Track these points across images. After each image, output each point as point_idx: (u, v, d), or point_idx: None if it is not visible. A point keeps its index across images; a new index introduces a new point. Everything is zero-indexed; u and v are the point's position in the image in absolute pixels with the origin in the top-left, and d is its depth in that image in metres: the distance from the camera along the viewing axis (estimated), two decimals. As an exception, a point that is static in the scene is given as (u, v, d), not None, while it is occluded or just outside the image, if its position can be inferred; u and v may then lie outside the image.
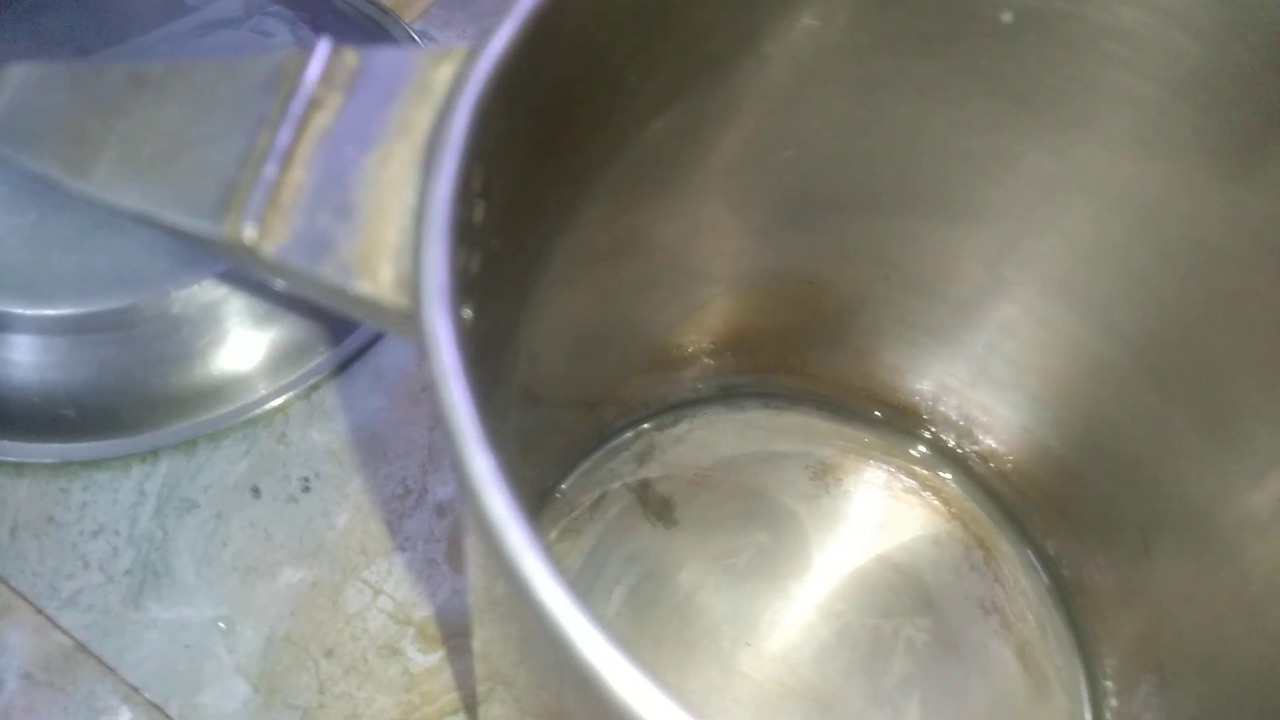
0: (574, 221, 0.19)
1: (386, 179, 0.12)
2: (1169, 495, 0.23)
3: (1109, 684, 0.29)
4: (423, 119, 0.12)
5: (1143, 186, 0.19)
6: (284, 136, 0.12)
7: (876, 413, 0.32)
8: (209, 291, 0.34)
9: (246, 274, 0.11)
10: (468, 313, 0.15)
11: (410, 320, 0.11)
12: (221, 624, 0.31)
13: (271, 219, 0.11)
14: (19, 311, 0.33)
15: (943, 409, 0.31)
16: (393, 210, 0.12)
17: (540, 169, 0.16)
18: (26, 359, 0.33)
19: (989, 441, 0.30)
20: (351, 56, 0.13)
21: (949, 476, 0.32)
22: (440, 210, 0.11)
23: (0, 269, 0.34)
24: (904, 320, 0.27)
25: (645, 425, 0.33)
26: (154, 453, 0.33)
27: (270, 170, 0.11)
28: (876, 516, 0.32)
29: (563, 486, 0.32)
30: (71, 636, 0.30)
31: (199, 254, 0.34)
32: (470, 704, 0.30)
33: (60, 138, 0.12)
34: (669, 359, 0.29)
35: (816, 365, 0.31)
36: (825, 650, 0.30)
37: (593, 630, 0.12)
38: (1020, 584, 0.31)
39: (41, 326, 0.33)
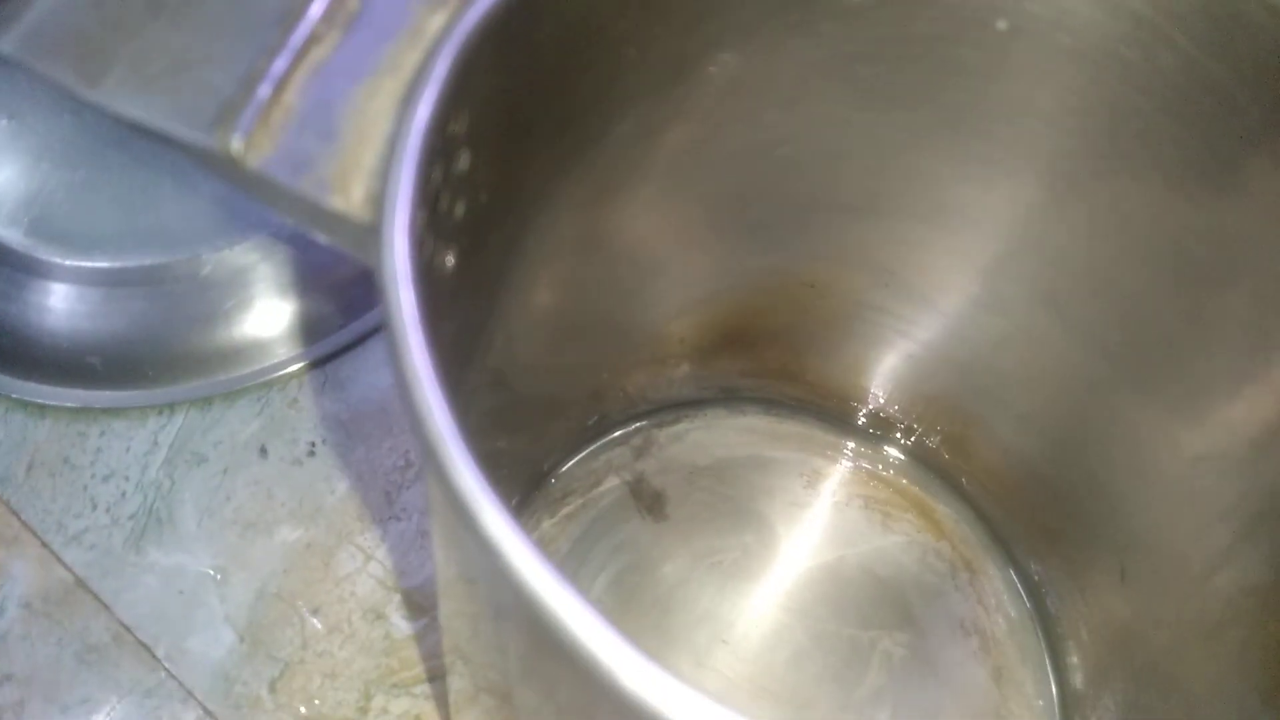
0: (564, 200, 0.19)
1: (371, 109, 0.13)
2: (1147, 522, 0.23)
3: (1083, 716, 0.29)
4: (411, 59, 0.13)
5: (1132, 203, 0.20)
6: (280, 64, 0.13)
7: (872, 428, 0.33)
8: (239, 257, 0.36)
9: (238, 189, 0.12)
10: (450, 259, 0.16)
11: (374, 234, 0.12)
12: (216, 574, 0.32)
13: (259, 135, 0.12)
14: (59, 261, 0.35)
15: (938, 425, 0.31)
16: (372, 137, 0.13)
17: (533, 136, 0.17)
18: (61, 306, 0.35)
19: (981, 461, 0.30)
20: (354, 0, 0.13)
21: (940, 495, 0.32)
22: (413, 135, 0.12)
23: (46, 220, 0.35)
24: (902, 331, 0.28)
25: (646, 421, 0.34)
26: (171, 406, 0.34)
27: (263, 91, 0.12)
28: (865, 529, 0.32)
29: (559, 471, 0.32)
30: (72, 572, 0.32)
31: (233, 220, 0.36)
32: (439, 674, 0.30)
33: (78, 52, 0.13)
34: (668, 354, 0.30)
35: (816, 373, 0.31)
36: (801, 655, 0.30)
37: (533, 555, 0.12)
38: (1003, 607, 0.31)
39: (78, 277, 0.35)
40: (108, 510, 0.33)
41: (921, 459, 0.33)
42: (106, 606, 0.31)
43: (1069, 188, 0.20)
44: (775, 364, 0.31)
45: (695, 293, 0.27)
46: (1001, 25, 0.18)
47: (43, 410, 0.34)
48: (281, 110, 0.12)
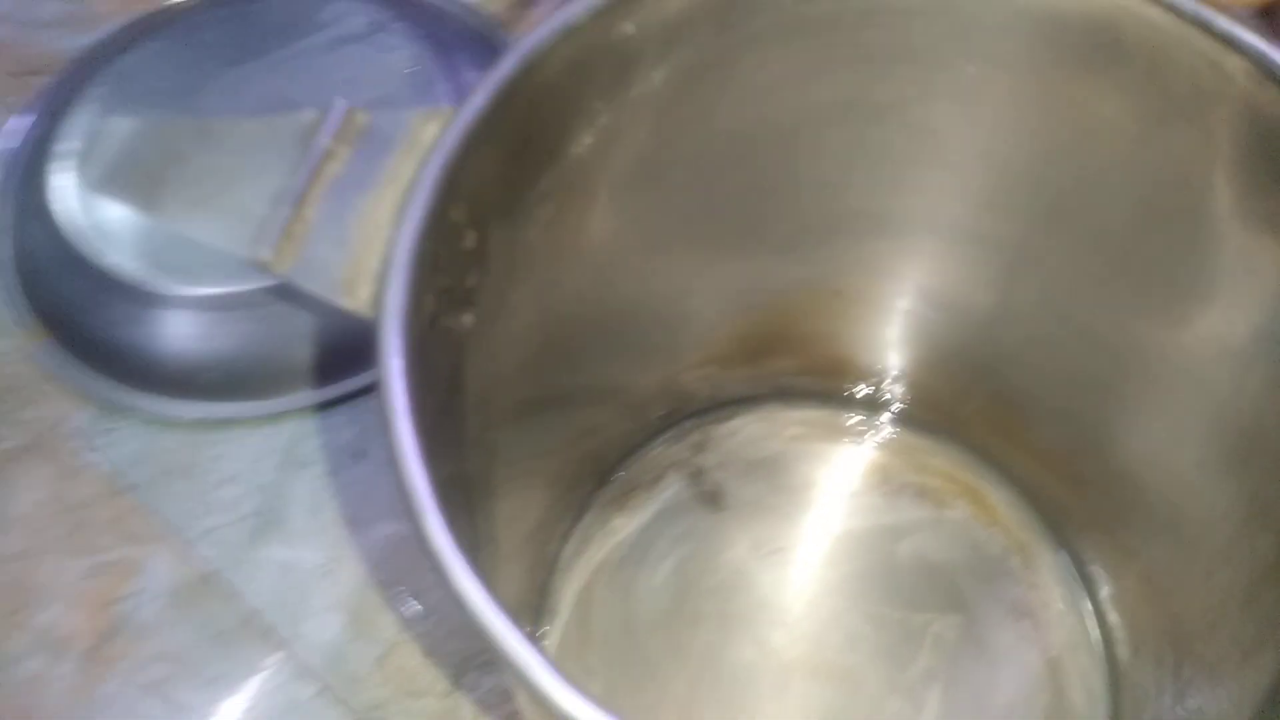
0: (581, 244, 0.21)
1: (376, 217, 0.15)
2: (1173, 504, 0.24)
3: (1132, 693, 0.29)
4: (408, 169, 0.15)
5: (1125, 223, 0.20)
6: (300, 182, 0.15)
7: (927, 418, 0.34)
8: (332, 277, 0.39)
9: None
10: (469, 319, 0.19)
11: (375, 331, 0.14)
12: (326, 565, 0.36)
13: (284, 247, 0.15)
14: (176, 291, 0.39)
15: (986, 416, 0.32)
16: (375, 242, 0.15)
17: (535, 205, 0.19)
18: (181, 331, 0.39)
19: (1028, 450, 0.31)
20: (362, 116, 0.16)
21: (993, 481, 0.33)
22: (403, 245, 0.14)
23: (164, 255, 0.39)
24: (933, 332, 0.29)
25: (703, 418, 0.35)
26: (280, 416, 0.38)
27: (286, 211, 0.15)
28: (920, 516, 0.34)
29: (623, 467, 0.35)
30: (205, 566, 0.36)
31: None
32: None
33: (143, 181, 0.16)
34: (717, 358, 0.32)
35: (860, 370, 0.32)
36: (855, 637, 0.32)
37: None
38: (1055, 591, 0.32)
39: (195, 304, 0.39)
40: (230, 510, 0.37)
41: (973, 447, 0.33)
42: (235, 594, 0.35)
43: (1067, 203, 0.21)
44: (821, 362, 0.33)
45: (733, 305, 0.28)
46: (971, 70, 0.19)
47: (168, 424, 0.38)
48: (302, 224, 0.15)
